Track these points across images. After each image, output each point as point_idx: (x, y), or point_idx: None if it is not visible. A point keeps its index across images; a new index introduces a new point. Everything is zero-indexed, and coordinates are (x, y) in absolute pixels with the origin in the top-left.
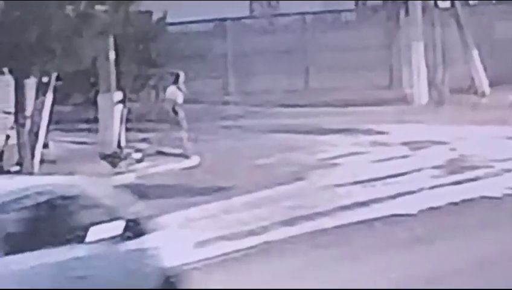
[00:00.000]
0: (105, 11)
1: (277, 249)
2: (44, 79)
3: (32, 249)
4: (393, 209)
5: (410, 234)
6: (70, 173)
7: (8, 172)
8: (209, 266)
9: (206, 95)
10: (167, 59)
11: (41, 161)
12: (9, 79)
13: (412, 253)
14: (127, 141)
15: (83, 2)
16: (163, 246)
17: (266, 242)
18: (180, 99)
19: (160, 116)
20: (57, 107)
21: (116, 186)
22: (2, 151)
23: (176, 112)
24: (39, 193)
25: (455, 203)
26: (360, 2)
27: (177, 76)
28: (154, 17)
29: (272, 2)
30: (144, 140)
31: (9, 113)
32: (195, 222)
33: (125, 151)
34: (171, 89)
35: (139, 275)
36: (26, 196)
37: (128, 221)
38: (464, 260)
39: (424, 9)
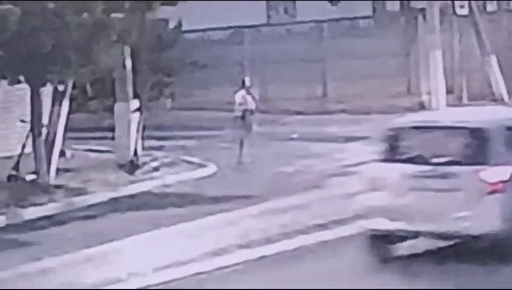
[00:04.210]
0: (121, 19)
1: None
2: (60, 87)
3: None
4: None
5: None
6: None
7: (24, 180)
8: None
9: (223, 102)
10: (183, 67)
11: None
12: (25, 87)
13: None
14: (143, 148)
15: (99, 9)
16: None
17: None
18: (251, 105)
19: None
20: (73, 115)
21: None
22: (19, 161)
23: (244, 118)
24: None
25: None
26: (377, 9)
27: (243, 81)
28: (171, 25)
29: (289, 10)
30: (160, 148)
31: (25, 121)
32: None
33: (142, 159)
34: (241, 94)
35: None
36: None
37: None
38: None
39: (442, 16)
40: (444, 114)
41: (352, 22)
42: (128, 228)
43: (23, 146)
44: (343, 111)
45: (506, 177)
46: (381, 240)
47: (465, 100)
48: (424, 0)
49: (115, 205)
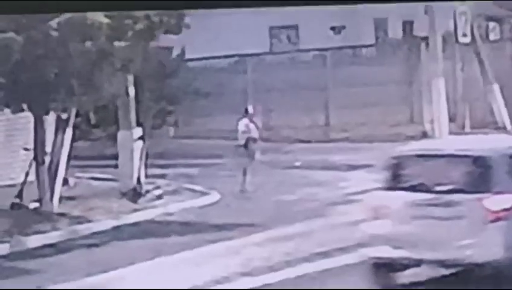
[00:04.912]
0: (124, 47)
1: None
2: (64, 115)
3: None
4: None
5: None
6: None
7: (27, 208)
8: None
9: (226, 130)
10: (186, 95)
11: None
12: (28, 115)
13: None
14: (146, 176)
15: (102, 38)
16: None
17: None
18: (254, 133)
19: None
20: (76, 143)
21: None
22: (22, 189)
23: (247, 146)
24: None
25: None
26: (380, 37)
27: (246, 109)
28: (174, 54)
29: (292, 38)
30: (163, 176)
31: (28, 149)
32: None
33: (145, 187)
34: (244, 122)
35: None
36: None
37: None
38: None
39: (444, 45)
40: (446, 142)
41: (355, 50)
42: (131, 256)
43: (27, 174)
44: (346, 139)
45: (509, 205)
46: (384, 268)
47: (467, 128)
48: (427, 29)
49: (118, 233)
